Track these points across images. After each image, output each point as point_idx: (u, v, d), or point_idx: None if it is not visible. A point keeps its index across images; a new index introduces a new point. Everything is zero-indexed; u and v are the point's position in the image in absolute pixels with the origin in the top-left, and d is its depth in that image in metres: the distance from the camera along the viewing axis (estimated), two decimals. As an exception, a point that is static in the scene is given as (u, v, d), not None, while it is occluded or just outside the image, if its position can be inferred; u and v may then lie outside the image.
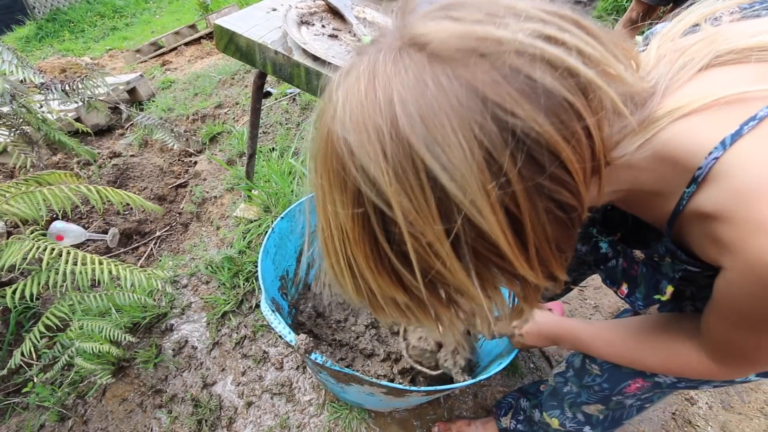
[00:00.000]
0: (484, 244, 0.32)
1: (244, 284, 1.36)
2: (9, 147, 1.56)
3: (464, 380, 0.93)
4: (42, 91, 1.60)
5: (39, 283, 1.00)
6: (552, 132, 0.29)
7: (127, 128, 2.74)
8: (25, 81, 1.51)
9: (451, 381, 0.99)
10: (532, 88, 0.29)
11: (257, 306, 1.33)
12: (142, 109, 2.86)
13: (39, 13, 5.81)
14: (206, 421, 1.10)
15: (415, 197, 0.30)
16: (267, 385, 1.15)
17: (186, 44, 4.17)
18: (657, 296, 0.51)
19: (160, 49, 4.22)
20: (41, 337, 1.08)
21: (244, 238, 1.46)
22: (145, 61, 4.12)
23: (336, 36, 1.12)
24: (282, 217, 1.00)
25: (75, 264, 0.97)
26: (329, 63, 0.99)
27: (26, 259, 0.97)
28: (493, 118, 0.28)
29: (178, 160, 2.45)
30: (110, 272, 1.01)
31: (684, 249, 0.43)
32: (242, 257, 1.41)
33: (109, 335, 1.10)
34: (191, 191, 1.95)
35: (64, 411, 1.19)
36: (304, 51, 1.01)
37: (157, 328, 1.32)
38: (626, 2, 3.43)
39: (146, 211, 2.14)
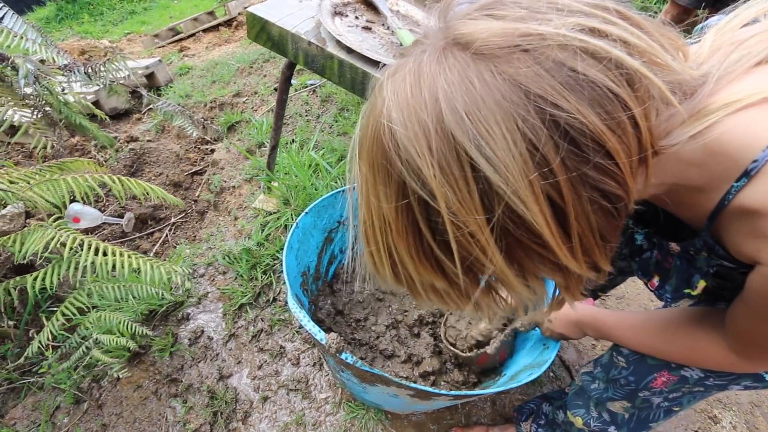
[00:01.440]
0: (526, 234, 0.32)
1: (261, 277, 1.34)
2: (31, 129, 1.56)
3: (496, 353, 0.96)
4: (65, 73, 1.59)
5: (60, 273, 1.00)
6: (597, 122, 0.29)
7: (144, 113, 2.74)
8: (47, 61, 1.50)
9: (480, 374, 0.99)
10: (575, 80, 0.29)
11: (274, 300, 1.31)
12: (159, 95, 2.85)
13: (59, -6, 5.82)
14: (221, 413, 1.09)
15: (459, 188, 0.31)
16: (283, 380, 1.14)
17: (204, 31, 4.16)
18: (687, 290, 0.51)
19: (178, 34, 4.20)
20: (59, 325, 1.08)
21: (263, 230, 1.45)
22: (163, 46, 4.12)
23: (370, 28, 1.09)
24: (306, 213, 0.98)
25: (96, 254, 0.96)
26: (363, 55, 0.96)
27: (48, 248, 0.96)
28: (537, 111, 0.29)
29: (195, 147, 2.45)
30: (131, 265, 1.00)
31: (721, 244, 0.43)
32: (260, 249, 1.40)
33: (126, 328, 1.10)
34: (209, 180, 1.94)
35: (80, 394, 1.19)
36: (338, 42, 0.99)
37: (173, 316, 1.31)
38: (654, 3, 3.34)
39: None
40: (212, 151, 2.34)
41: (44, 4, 5.84)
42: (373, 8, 1.17)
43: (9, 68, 1.38)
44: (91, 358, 1.12)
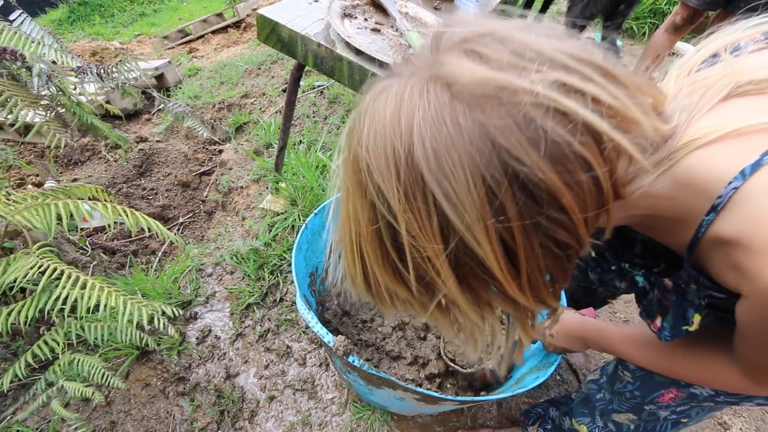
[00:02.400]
0: (479, 267, 0.35)
1: (269, 277, 1.35)
2: (44, 128, 1.58)
3: (497, 378, 0.94)
4: (78, 75, 1.61)
5: (36, 307, 0.93)
6: (555, 179, 0.31)
7: (154, 114, 2.77)
8: (60, 63, 1.52)
9: (483, 389, 0.97)
10: (542, 138, 0.31)
11: (281, 300, 1.32)
12: (169, 96, 2.88)
13: (71, -4, 5.91)
14: (228, 412, 1.10)
15: (420, 217, 0.33)
16: (289, 380, 1.15)
17: (213, 32, 4.19)
18: (685, 327, 0.51)
19: (187, 36, 4.25)
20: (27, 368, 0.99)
21: (270, 230, 1.45)
22: (173, 47, 4.16)
23: (378, 30, 1.09)
24: (315, 213, 0.98)
25: (73, 288, 0.89)
26: (372, 57, 0.97)
27: (26, 277, 0.89)
28: (500, 161, 0.31)
29: (203, 147, 2.47)
30: (109, 303, 0.90)
31: (706, 275, 0.44)
32: (268, 249, 1.41)
33: (98, 377, 1.01)
34: (217, 180, 1.96)
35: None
36: (348, 44, 0.99)
37: (181, 315, 1.32)
38: (665, 5, 3.31)
39: (170, 196, 2.16)
40: (220, 151, 2.36)
41: (57, 6, 5.93)
42: (382, 10, 1.17)
43: (24, 69, 1.41)
44: (49, 406, 1.04)
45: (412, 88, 0.34)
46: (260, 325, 1.27)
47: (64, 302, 0.86)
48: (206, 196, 2.09)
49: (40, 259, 0.88)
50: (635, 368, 0.68)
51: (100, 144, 2.54)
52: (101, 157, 2.49)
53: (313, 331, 1.25)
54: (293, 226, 1.45)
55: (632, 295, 1.30)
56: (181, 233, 1.92)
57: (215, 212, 1.86)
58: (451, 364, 0.99)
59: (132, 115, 2.74)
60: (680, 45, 2.78)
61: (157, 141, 2.51)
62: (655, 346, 0.62)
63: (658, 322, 0.55)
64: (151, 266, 1.54)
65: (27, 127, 2.28)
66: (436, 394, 0.69)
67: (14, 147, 2.50)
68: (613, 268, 0.62)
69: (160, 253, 1.75)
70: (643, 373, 0.67)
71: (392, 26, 1.13)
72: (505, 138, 0.31)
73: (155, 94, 2.45)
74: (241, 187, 1.77)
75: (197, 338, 1.27)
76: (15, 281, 0.90)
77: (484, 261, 0.34)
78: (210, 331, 1.29)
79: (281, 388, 1.13)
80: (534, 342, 0.87)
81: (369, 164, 0.35)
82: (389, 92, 0.35)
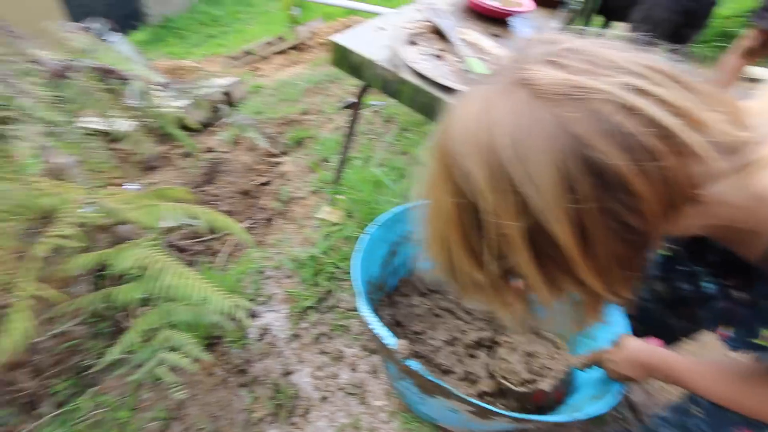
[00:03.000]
0: (553, 246, 0.37)
1: (324, 283, 1.43)
2: (133, 136, 1.79)
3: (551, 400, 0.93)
4: (162, 89, 1.83)
5: (142, 290, 1.09)
6: (624, 165, 0.34)
7: (220, 126, 3.02)
8: (147, 79, 1.73)
9: (535, 413, 0.97)
10: (613, 129, 0.34)
11: (335, 306, 1.39)
12: (234, 111, 3.12)
13: (153, 19, 6.57)
14: (284, 406, 1.17)
15: (501, 199, 0.37)
16: (341, 383, 1.20)
17: (275, 53, 4.50)
18: (753, 339, 0.51)
19: (251, 56, 4.59)
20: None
21: (327, 239, 1.54)
22: (238, 67, 4.51)
23: (440, 56, 1.16)
24: (378, 225, 1.05)
25: (176, 278, 1.04)
26: (434, 81, 1.03)
27: (136, 265, 1.05)
28: (573, 147, 0.34)
29: (263, 159, 2.65)
30: (202, 292, 1.05)
31: None
32: (324, 257, 1.49)
33: (191, 351, 1.16)
34: (277, 190, 2.10)
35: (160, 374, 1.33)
36: (412, 69, 1.07)
37: (243, 319, 1.43)
38: (735, 29, 3.14)
39: (232, 203, 2.34)
40: (278, 163, 2.52)
41: (138, 29, 6.63)
42: (444, 37, 1.24)
43: (121, 84, 1.62)
44: (157, 371, 1.18)
45: (496, 90, 0.39)
46: (315, 329, 1.34)
47: (164, 288, 0.99)
48: (265, 205, 2.24)
49: (148, 250, 1.03)
50: (708, 403, 0.66)
51: (173, 152, 2.81)
52: (173, 164, 2.74)
53: (366, 338, 1.31)
54: (348, 236, 1.53)
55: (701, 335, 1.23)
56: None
57: (273, 220, 1.99)
58: (504, 382, 0.99)
59: (199, 128, 3.00)
60: (752, 69, 2.63)
61: (223, 152, 2.73)
62: (726, 378, 0.60)
63: (725, 330, 0.55)
64: (216, 266, 1.68)
65: (106, 133, 2.58)
66: (490, 408, 0.72)
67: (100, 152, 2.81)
68: (681, 268, 0.62)
69: (224, 254, 1.90)
70: (715, 407, 0.64)
71: (453, 52, 1.19)
72: (579, 127, 0.34)
73: (223, 107, 2.68)
74: (300, 198, 1.89)
75: (257, 335, 1.36)
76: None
77: (558, 239, 0.36)
78: (269, 329, 1.38)
79: (333, 389, 1.19)
80: (591, 367, 0.87)
81: (457, 151, 0.39)
82: (476, 95, 0.41)
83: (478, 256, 0.42)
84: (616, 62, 0.37)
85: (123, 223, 1.43)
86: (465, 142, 0.39)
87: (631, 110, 0.35)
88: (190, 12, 7.09)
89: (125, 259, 1.08)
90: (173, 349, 1.19)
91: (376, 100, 2.39)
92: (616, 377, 0.79)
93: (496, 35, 1.37)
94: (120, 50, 1.74)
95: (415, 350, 1.11)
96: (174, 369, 1.26)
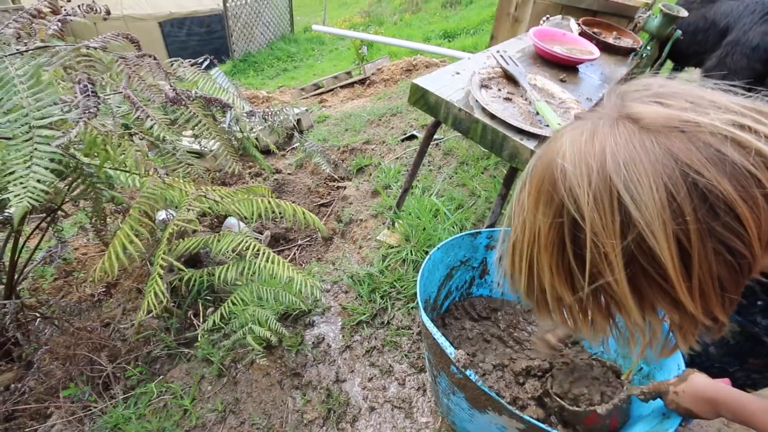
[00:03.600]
0: (652, 264, 0.39)
1: (379, 300, 1.52)
2: (221, 156, 2.03)
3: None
4: (249, 117, 2.08)
5: (238, 270, 1.29)
6: (731, 191, 0.36)
7: (288, 150, 3.29)
8: (236, 106, 1.98)
9: None
10: (719, 159, 0.37)
11: (388, 323, 1.47)
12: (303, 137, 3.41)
13: (236, 55, 7.36)
14: (334, 411, 1.24)
15: (604, 215, 0.39)
16: (389, 396, 1.26)
17: (341, 87, 4.87)
18: None
19: (319, 89, 5.00)
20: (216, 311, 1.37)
21: (384, 260, 1.64)
22: (307, 98, 4.92)
23: (510, 99, 1.27)
24: (438, 248, 1.13)
25: (266, 261, 1.22)
26: (504, 121, 1.13)
27: (235, 250, 1.27)
28: (681, 172, 0.37)
29: (324, 183, 2.85)
30: (288, 274, 1.23)
31: None
32: (381, 276, 1.59)
33: (268, 325, 1.32)
34: (339, 211, 2.25)
35: (223, 368, 1.46)
36: (484, 110, 1.17)
37: (302, 321, 1.54)
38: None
39: (293, 222, 2.52)
40: (338, 187, 2.71)
41: (224, 62, 7.44)
42: (514, 82, 1.35)
43: (220, 111, 1.88)
44: (245, 339, 1.37)
45: (604, 123, 0.42)
46: (367, 342, 1.42)
47: (257, 269, 1.14)
48: (324, 225, 2.40)
49: (245, 236, 1.19)
50: None
51: (245, 171, 3.10)
52: (245, 182, 3.02)
53: (415, 355, 1.36)
54: (404, 259, 1.62)
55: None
56: (300, 254, 2.22)
57: (333, 239, 2.13)
58: (558, 400, 1.00)
59: (271, 151, 3.30)
60: None
61: (289, 174, 2.98)
62: None
63: None
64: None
65: (190, 152, 2.92)
66: (542, 426, 0.75)
67: (186, 168, 3.16)
68: (761, 303, 0.62)
69: (287, 259, 2.05)
70: None
71: (522, 96, 1.29)
72: (686, 156, 0.36)
73: (296, 134, 2.94)
74: (361, 220, 2.02)
75: (313, 343, 1.46)
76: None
77: (659, 257, 0.38)
78: (324, 339, 1.48)
79: (381, 401, 1.25)
80: (654, 398, 0.85)
81: (564, 173, 0.42)
82: (583, 126, 0.43)
83: (569, 276, 0.44)
84: (717, 102, 0.40)
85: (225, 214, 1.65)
86: (572, 164, 0.41)
87: (737, 142, 0.37)
88: (269, 48, 7.87)
89: (225, 243, 1.26)
90: (259, 324, 1.34)
91: (437, 134, 2.53)
92: (677, 410, 0.77)
93: (563, 80, 1.46)
94: (218, 82, 2.03)
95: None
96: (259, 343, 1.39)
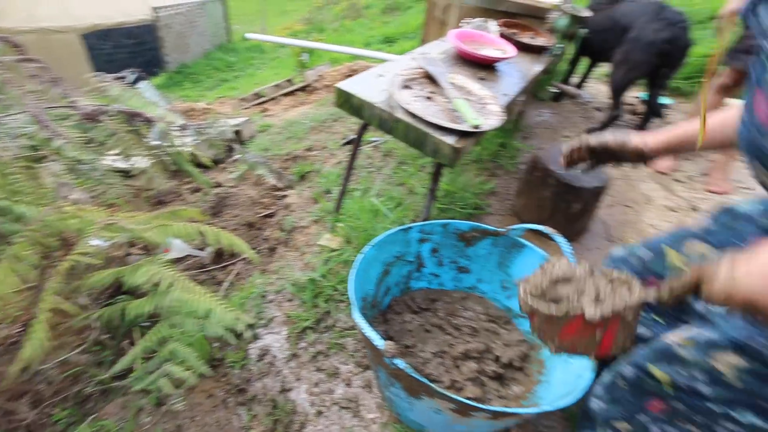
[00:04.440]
0: None
1: (323, 304, 1.51)
2: (149, 173, 1.94)
3: None
4: (181, 130, 2.01)
5: (154, 304, 1.19)
6: None
7: (229, 163, 3.20)
8: (168, 120, 1.91)
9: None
10: None
11: (333, 326, 1.46)
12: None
13: (170, 66, 7.04)
14: (281, 422, 1.22)
15: None
16: (336, 398, 1.26)
17: (283, 95, 4.81)
18: None
19: (261, 98, 4.90)
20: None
21: (326, 264, 1.64)
22: (248, 108, 4.80)
23: (431, 98, 1.32)
24: (372, 245, 1.15)
25: (184, 292, 1.14)
26: (424, 119, 1.18)
27: (149, 280, 1.15)
28: None
29: (268, 193, 2.79)
30: (207, 305, 1.15)
31: None
32: (323, 281, 1.58)
33: (193, 362, 1.25)
34: (281, 220, 2.22)
35: (161, 398, 1.38)
36: (405, 110, 1.22)
37: (245, 335, 1.50)
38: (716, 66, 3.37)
39: (237, 235, 2.44)
40: (284, 197, 2.67)
41: (157, 74, 7.09)
42: (435, 82, 1.41)
43: (145, 126, 1.79)
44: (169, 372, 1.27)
45: None
46: (313, 348, 1.41)
47: (173, 301, 1.08)
48: (268, 236, 2.35)
49: (161, 267, 1.13)
50: (630, 375, 0.78)
51: (183, 188, 2.97)
52: (183, 199, 2.89)
53: (361, 354, 1.37)
54: (346, 261, 1.63)
55: None
56: (246, 267, 2.16)
57: (277, 248, 2.09)
58: (529, 300, 0.69)
59: (212, 164, 3.17)
60: (730, 101, 2.85)
61: (230, 186, 2.89)
62: None
63: None
64: (220, 294, 1.76)
65: (121, 171, 2.75)
66: (469, 402, 0.79)
67: (113, 189, 2.98)
68: None
69: (226, 283, 1.98)
70: (635, 380, 0.77)
71: (443, 95, 1.35)
72: None
73: (235, 145, 2.87)
74: (303, 227, 2.00)
75: (257, 356, 1.43)
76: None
77: None
78: (268, 350, 1.45)
79: (329, 404, 1.24)
80: (680, 295, 0.60)
81: None
82: None
83: None
84: None
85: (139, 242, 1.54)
86: None
87: None
88: (206, 58, 7.61)
89: (139, 275, 1.18)
90: (178, 363, 1.26)
91: (375, 136, 2.57)
92: (728, 302, 0.53)
93: (482, 79, 1.54)
94: (146, 95, 1.93)
95: (402, 352, 1.18)
96: (177, 385, 1.32)
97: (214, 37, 8.09)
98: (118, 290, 1.71)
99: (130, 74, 1.86)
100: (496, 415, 0.83)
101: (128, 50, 6.97)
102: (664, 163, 2.37)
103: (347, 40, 6.81)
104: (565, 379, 1.01)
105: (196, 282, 2.08)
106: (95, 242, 1.34)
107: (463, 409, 0.83)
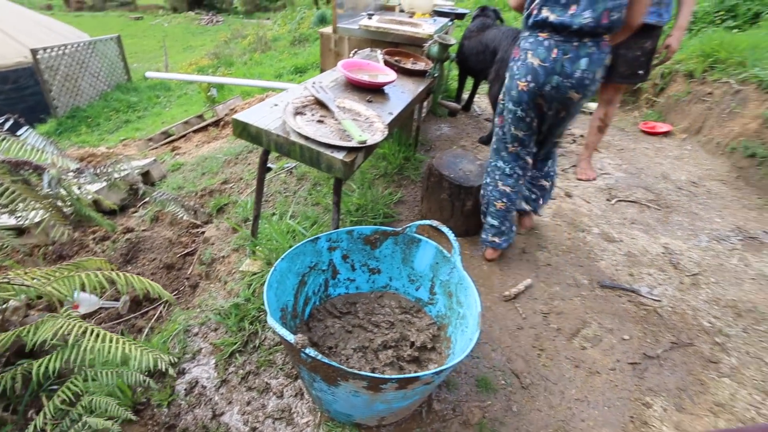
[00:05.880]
0: None
1: (249, 326, 1.55)
2: (47, 224, 1.83)
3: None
4: (76, 175, 1.94)
5: (63, 359, 1.14)
6: None
7: (139, 206, 3.06)
8: (60, 166, 1.83)
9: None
10: None
11: (260, 344, 1.51)
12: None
13: (60, 111, 6.48)
14: (215, 447, 1.23)
15: None
16: (269, 411, 1.30)
17: (194, 131, 4.70)
18: None
19: (170, 136, 4.73)
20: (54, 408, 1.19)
21: (249, 287, 1.68)
22: (157, 147, 4.61)
23: (322, 121, 1.47)
24: (282, 259, 1.25)
25: (96, 341, 1.13)
26: (317, 140, 1.32)
27: (56, 335, 1.12)
28: None
29: (187, 231, 2.73)
30: (123, 351, 1.15)
31: None
32: (247, 304, 1.62)
33: (115, 411, 1.22)
34: (200, 255, 2.20)
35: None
36: (298, 133, 1.35)
37: (169, 372, 1.48)
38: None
39: (155, 279, 2.35)
40: (203, 233, 2.63)
41: (45, 121, 6.47)
42: (325, 107, 1.57)
43: (35, 175, 1.72)
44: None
45: None
46: (242, 369, 1.44)
47: (85, 352, 1.06)
48: (190, 274, 2.30)
49: (66, 320, 1.10)
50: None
51: (88, 238, 2.78)
52: (89, 250, 2.71)
53: (290, 365, 1.42)
54: (268, 282, 1.69)
55: (564, 307, 1.63)
56: (167, 310, 2.10)
57: (199, 283, 2.07)
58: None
59: (119, 210, 3.02)
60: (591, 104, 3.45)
61: (143, 230, 2.77)
62: None
63: None
64: (140, 340, 1.71)
65: (14, 228, 2.50)
66: (376, 375, 0.91)
67: (2, 249, 2.70)
68: None
69: (146, 330, 1.91)
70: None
71: (333, 117, 1.51)
72: None
73: (140, 186, 2.78)
74: (223, 257, 2.02)
75: (185, 390, 1.42)
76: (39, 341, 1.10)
77: None
78: (197, 382, 1.44)
79: (262, 419, 1.28)
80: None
81: None
82: None
83: None
84: None
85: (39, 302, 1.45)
86: None
87: None
88: (103, 100, 7.12)
89: (43, 332, 1.13)
90: (98, 414, 1.21)
91: (289, 162, 2.67)
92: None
93: (370, 101, 1.74)
94: (29, 142, 1.85)
95: (325, 353, 1.27)
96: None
97: (111, 77, 7.61)
98: (19, 354, 1.57)
99: (5, 121, 1.76)
100: (402, 383, 0.96)
101: (5, 96, 6.29)
102: (586, 174, 2.77)
103: (258, 73, 6.85)
104: (463, 346, 1.18)
105: (112, 333, 1.99)
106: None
107: (373, 384, 0.95)
